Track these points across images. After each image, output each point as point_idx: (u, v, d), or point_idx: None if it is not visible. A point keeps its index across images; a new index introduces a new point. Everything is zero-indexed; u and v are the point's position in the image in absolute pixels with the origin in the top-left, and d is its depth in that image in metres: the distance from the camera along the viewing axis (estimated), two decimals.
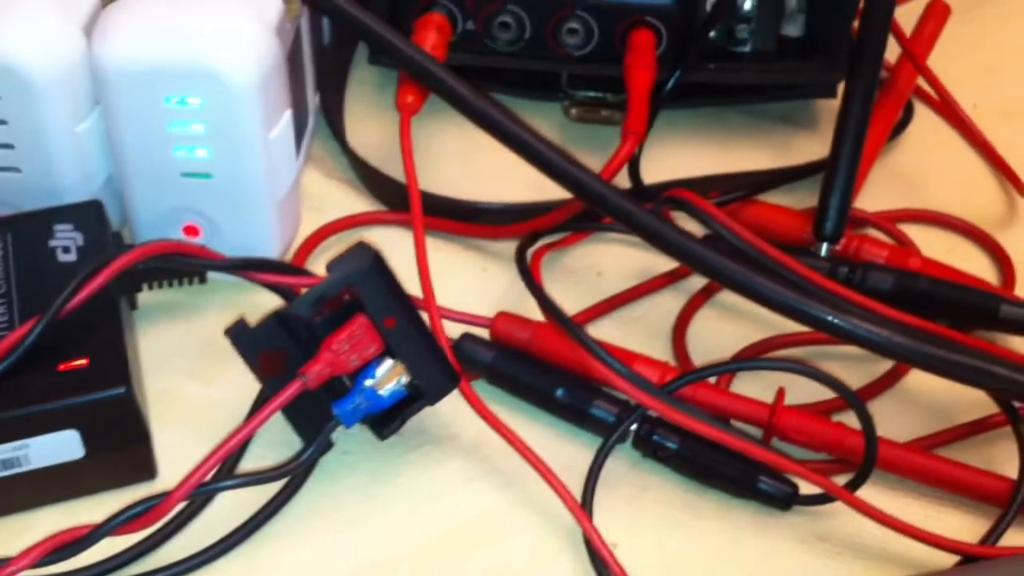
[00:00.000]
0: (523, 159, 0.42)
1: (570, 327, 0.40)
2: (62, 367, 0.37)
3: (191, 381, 0.43)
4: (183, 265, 0.40)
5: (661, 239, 0.41)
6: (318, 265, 0.46)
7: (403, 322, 0.37)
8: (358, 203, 0.49)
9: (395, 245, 0.47)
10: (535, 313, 0.43)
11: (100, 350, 0.37)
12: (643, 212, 0.41)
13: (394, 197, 0.48)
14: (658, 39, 0.48)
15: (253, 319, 0.44)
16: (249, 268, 0.40)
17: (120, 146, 0.41)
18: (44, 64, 0.39)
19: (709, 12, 0.48)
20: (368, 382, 0.37)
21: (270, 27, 0.41)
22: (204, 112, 0.40)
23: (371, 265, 0.36)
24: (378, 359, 0.37)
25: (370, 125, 0.53)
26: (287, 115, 0.43)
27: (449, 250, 0.48)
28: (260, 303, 0.44)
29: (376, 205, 0.49)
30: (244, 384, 0.42)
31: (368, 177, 0.49)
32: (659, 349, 0.44)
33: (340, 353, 0.36)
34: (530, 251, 0.45)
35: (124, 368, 0.37)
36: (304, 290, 0.38)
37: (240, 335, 0.38)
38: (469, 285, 0.46)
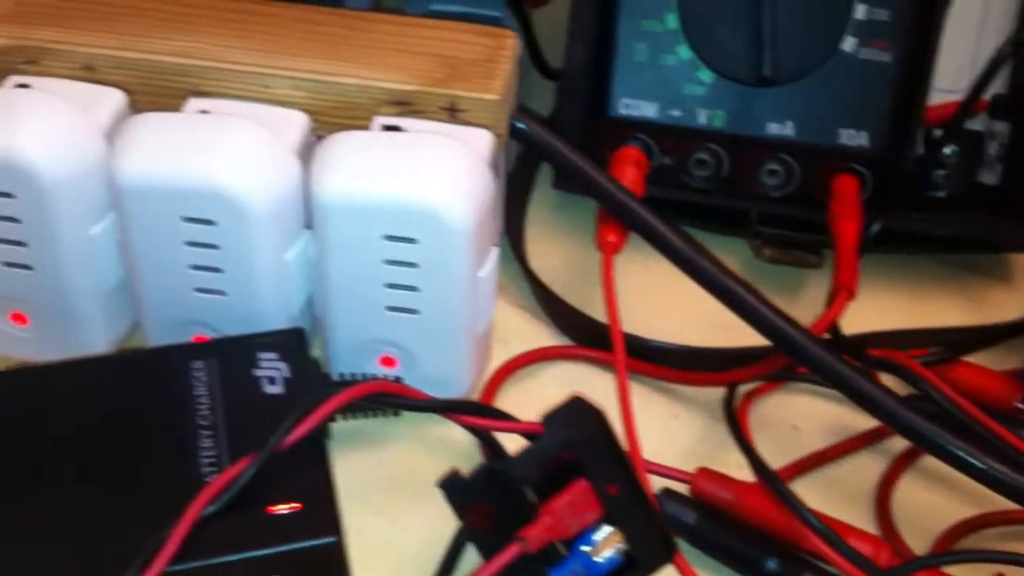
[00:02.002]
0: (736, 313, 0.41)
1: (785, 495, 0.39)
2: (271, 510, 0.36)
3: (376, 517, 0.42)
4: (389, 403, 0.39)
5: (877, 406, 0.39)
6: (504, 399, 0.45)
7: (625, 490, 0.35)
8: (540, 333, 0.48)
9: (581, 382, 0.46)
10: (727, 466, 0.42)
11: (309, 493, 0.36)
12: (856, 375, 0.40)
13: (579, 329, 0.47)
14: (862, 185, 0.47)
15: (443, 455, 0.43)
16: (455, 410, 0.39)
17: (329, 277, 0.40)
18: (262, 194, 0.38)
19: (917, 159, 0.47)
20: (585, 548, 0.36)
21: (485, 162, 0.40)
22: (420, 250, 0.39)
23: (597, 430, 0.35)
24: (596, 525, 0.36)
25: (550, 250, 0.52)
26: (495, 252, 0.42)
27: (637, 392, 0.46)
28: (446, 436, 0.43)
29: (557, 334, 0.48)
30: (430, 526, 0.41)
31: (552, 307, 0.48)
32: (858, 516, 0.43)
33: (561, 518, 0.35)
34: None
35: (334, 515, 0.36)
36: (517, 446, 0.37)
37: (453, 486, 0.36)
38: (657, 432, 0.45)
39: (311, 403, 0.37)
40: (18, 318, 0.43)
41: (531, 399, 0.45)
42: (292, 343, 0.40)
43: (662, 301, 0.49)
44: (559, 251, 0.51)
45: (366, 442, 0.44)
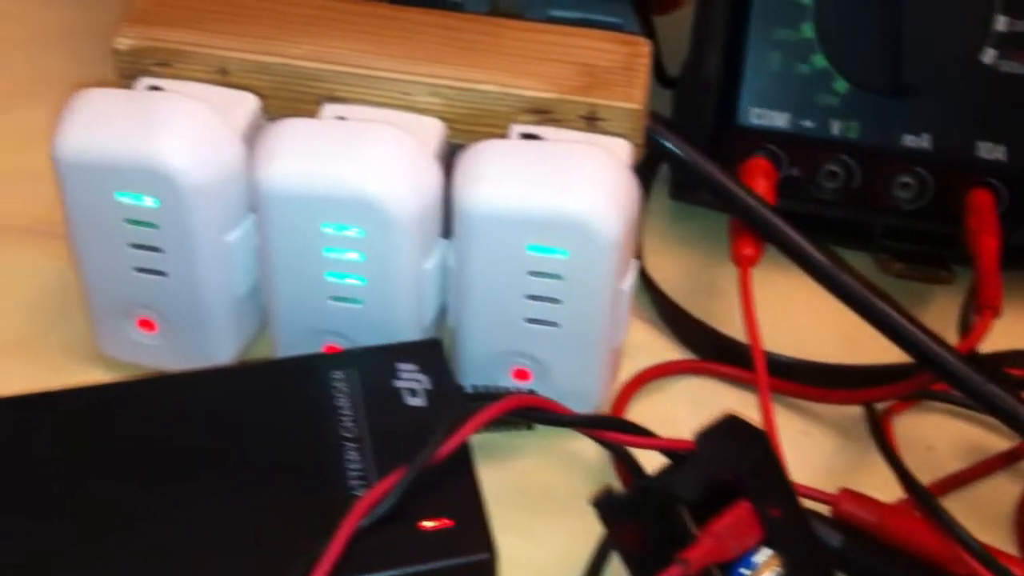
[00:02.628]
0: (879, 330, 0.40)
1: (941, 515, 0.38)
2: (422, 526, 0.35)
3: (512, 534, 0.40)
4: (535, 418, 0.38)
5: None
6: (632, 414, 0.44)
7: (787, 512, 0.35)
8: (663, 346, 0.47)
9: (709, 397, 0.45)
10: (862, 487, 0.41)
11: (459, 508, 0.36)
12: (1010, 397, 0.39)
13: (703, 343, 0.46)
14: (997, 199, 0.46)
15: (575, 470, 0.42)
16: (598, 426, 0.39)
17: (470, 288, 0.40)
18: (408, 202, 0.38)
19: None
20: (745, 571, 0.35)
21: (630, 174, 0.40)
22: (567, 262, 0.38)
23: (763, 451, 0.34)
24: (755, 547, 0.35)
25: (667, 261, 0.51)
26: (635, 264, 0.41)
27: (757, 405, 0.45)
28: (577, 451, 0.42)
29: (679, 348, 0.47)
30: (566, 542, 0.40)
31: (675, 320, 0.47)
32: (996, 539, 0.41)
33: (723, 540, 0.34)
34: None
35: (486, 530, 0.35)
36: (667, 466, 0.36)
37: (607, 505, 0.36)
38: (790, 451, 0.42)
39: (461, 416, 0.36)
40: (146, 324, 0.42)
41: (658, 414, 0.44)
42: (432, 354, 0.40)
43: (784, 314, 0.48)
44: (677, 262, 0.50)
45: (496, 456, 0.43)
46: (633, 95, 0.41)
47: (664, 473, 0.35)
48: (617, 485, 0.42)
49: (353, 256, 0.39)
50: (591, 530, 0.41)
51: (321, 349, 0.42)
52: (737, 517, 0.34)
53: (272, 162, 0.38)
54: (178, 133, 0.38)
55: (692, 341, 0.47)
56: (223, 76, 0.41)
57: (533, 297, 0.39)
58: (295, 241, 0.39)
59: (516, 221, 0.37)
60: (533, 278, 0.39)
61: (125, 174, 0.38)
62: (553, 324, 0.40)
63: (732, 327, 0.47)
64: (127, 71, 0.41)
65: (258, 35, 0.41)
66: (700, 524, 0.36)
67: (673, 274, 0.50)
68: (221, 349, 0.42)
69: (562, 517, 0.41)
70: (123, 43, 0.41)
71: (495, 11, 0.49)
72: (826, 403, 0.44)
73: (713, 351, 0.46)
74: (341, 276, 0.39)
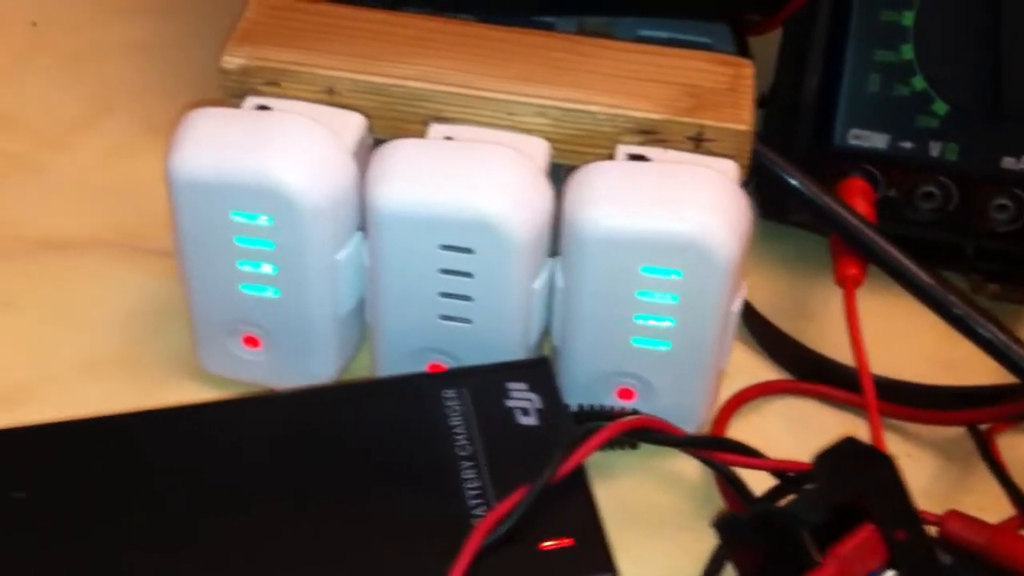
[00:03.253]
0: (987, 352, 0.40)
1: None
2: (543, 546, 0.35)
3: (618, 555, 0.40)
4: (650, 439, 0.38)
5: None
6: (731, 434, 0.44)
7: (912, 535, 0.35)
8: (757, 365, 0.47)
9: (807, 418, 0.45)
10: (965, 508, 0.41)
11: (578, 528, 0.36)
12: None
13: (798, 363, 0.46)
14: None
15: (677, 490, 0.42)
16: (712, 447, 0.39)
17: (580, 309, 0.40)
18: (525, 224, 0.38)
19: None
20: None
21: (743, 195, 0.39)
22: (682, 285, 0.38)
23: (889, 474, 0.34)
24: (878, 570, 0.35)
25: (756, 280, 0.50)
26: (744, 286, 0.41)
27: (856, 426, 0.45)
28: (678, 471, 0.42)
29: (773, 367, 0.47)
30: (671, 564, 0.40)
31: (768, 339, 0.47)
32: None
33: (848, 563, 0.34)
34: None
35: (607, 549, 0.35)
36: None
37: (729, 527, 0.36)
38: None
39: (579, 436, 0.36)
40: (251, 341, 0.42)
41: (756, 434, 0.44)
42: (541, 373, 0.40)
43: (877, 335, 0.47)
44: (767, 282, 0.50)
45: (598, 476, 0.42)
46: (741, 116, 0.41)
47: (790, 497, 0.35)
48: (720, 503, 0.42)
49: (466, 276, 0.39)
50: (695, 550, 0.41)
51: (425, 367, 0.42)
52: (863, 540, 0.34)
53: (388, 183, 0.38)
54: (296, 153, 0.38)
55: (787, 361, 0.47)
56: (330, 96, 0.41)
57: (643, 317, 0.39)
58: (409, 261, 0.39)
59: (631, 243, 0.38)
60: (646, 299, 0.39)
61: (242, 193, 0.38)
62: (663, 344, 0.40)
63: (826, 347, 0.47)
64: (234, 90, 0.42)
65: (365, 55, 0.42)
66: (819, 547, 0.36)
67: (764, 293, 0.50)
68: (324, 366, 0.42)
69: (666, 536, 0.41)
70: (231, 62, 0.41)
71: (583, 31, 0.50)
72: (930, 424, 0.44)
73: (809, 371, 0.46)
74: (453, 296, 0.40)
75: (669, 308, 0.39)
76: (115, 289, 0.48)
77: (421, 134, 0.41)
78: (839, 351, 0.47)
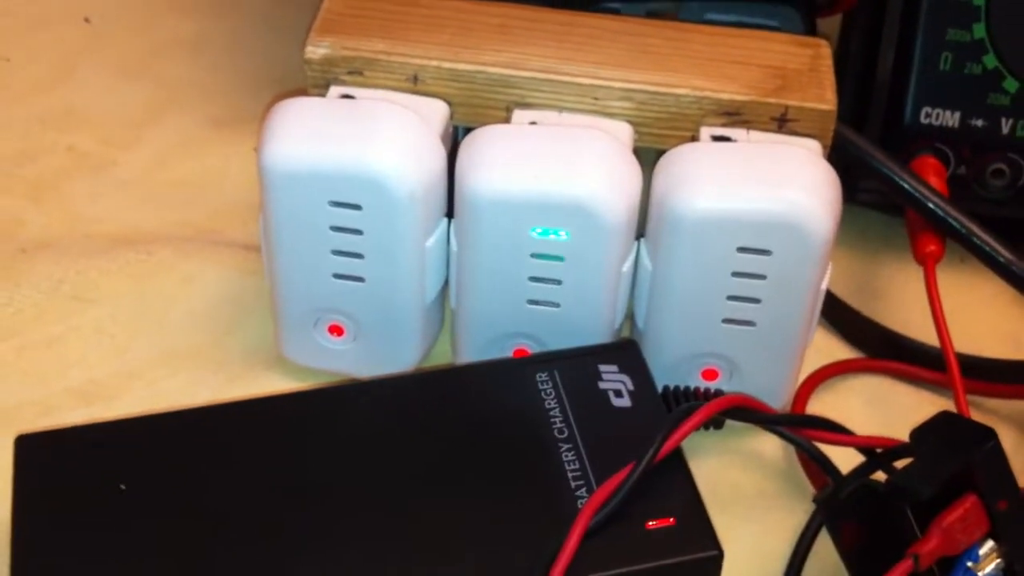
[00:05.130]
0: None
1: None
2: (650, 525, 0.36)
3: None
4: (743, 417, 0.39)
5: None
6: (811, 412, 0.45)
7: (1014, 505, 0.35)
8: (831, 345, 0.47)
9: (885, 397, 0.45)
10: None
11: (680, 507, 0.36)
12: None
13: (873, 341, 0.47)
14: None
15: (759, 469, 0.43)
16: (805, 425, 0.39)
17: (670, 292, 0.40)
18: (619, 207, 0.38)
19: None
20: (970, 564, 0.35)
21: (834, 174, 0.40)
22: (775, 263, 0.38)
23: (992, 445, 0.34)
24: (980, 540, 0.35)
25: None
26: (830, 265, 0.41)
27: (942, 406, 0.46)
28: (758, 449, 0.43)
29: (846, 346, 0.47)
30: (760, 541, 0.41)
31: (841, 317, 0.47)
32: None
33: (952, 534, 0.35)
34: None
35: (710, 528, 0.36)
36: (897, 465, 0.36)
37: (830, 504, 0.36)
38: None
39: (678, 417, 0.37)
40: (336, 330, 0.42)
41: (835, 412, 0.44)
42: (630, 356, 0.40)
43: (952, 311, 0.47)
44: (835, 261, 0.50)
45: None
46: (825, 96, 0.41)
47: (900, 472, 0.35)
48: (803, 481, 0.43)
49: (558, 260, 0.39)
50: (782, 529, 0.41)
51: (509, 352, 0.42)
52: (966, 511, 0.35)
53: (482, 170, 0.38)
54: (391, 141, 0.38)
55: (860, 339, 0.47)
56: (414, 84, 0.42)
57: (734, 298, 0.40)
58: (501, 248, 0.39)
59: (730, 224, 0.38)
60: (739, 279, 0.39)
61: (339, 182, 0.38)
62: (751, 324, 0.40)
63: (896, 324, 0.48)
64: (318, 80, 0.42)
65: (447, 43, 0.42)
66: (918, 520, 0.36)
67: (833, 272, 0.50)
68: (409, 354, 0.43)
69: (752, 517, 0.41)
70: (315, 52, 0.42)
71: (650, 14, 0.50)
72: (1008, 398, 0.45)
73: (883, 349, 0.46)
74: (543, 280, 0.40)
75: (761, 288, 0.39)
76: (191, 283, 0.48)
77: (504, 120, 0.42)
78: (911, 328, 0.48)
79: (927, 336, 0.46)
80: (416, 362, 0.43)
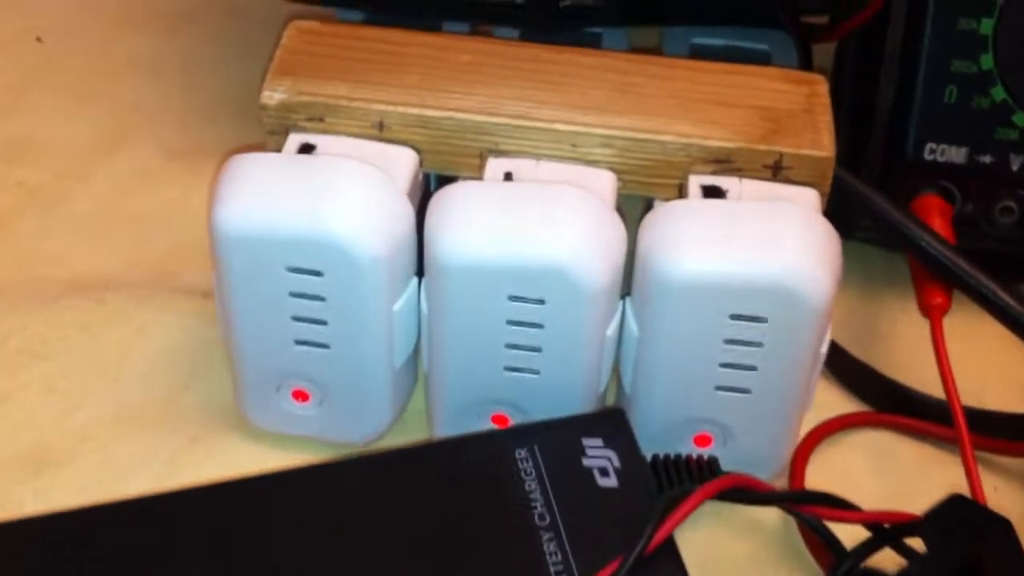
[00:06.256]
0: None
1: None
2: None
3: None
4: (740, 499, 0.36)
5: None
6: (810, 471, 0.42)
7: None
8: (830, 397, 0.44)
9: (890, 453, 0.43)
10: None
11: None
12: None
13: (875, 393, 0.44)
14: None
15: (755, 539, 0.40)
16: (808, 502, 0.36)
17: (659, 357, 0.37)
18: (603, 273, 0.35)
19: None
20: None
21: (832, 230, 0.37)
22: (770, 329, 0.35)
23: (1006, 538, 0.32)
24: None
25: None
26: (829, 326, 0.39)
27: (946, 461, 0.43)
28: (752, 519, 0.40)
29: (843, 394, 0.45)
30: None
31: (842, 368, 0.45)
32: None
33: None
34: None
35: None
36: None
37: None
38: None
39: (668, 504, 0.34)
40: (301, 395, 0.40)
41: (836, 471, 0.42)
42: (616, 426, 0.37)
43: (958, 359, 0.43)
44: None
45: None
46: (821, 141, 0.38)
47: (910, 565, 0.33)
48: (803, 551, 0.40)
49: (536, 327, 0.36)
50: None
51: (487, 419, 0.39)
52: None
53: (452, 232, 0.35)
54: (353, 203, 0.35)
55: (863, 390, 0.44)
56: (380, 131, 0.39)
57: (728, 365, 0.37)
58: (475, 313, 0.36)
59: (721, 290, 0.35)
60: (733, 347, 0.36)
61: (297, 248, 0.35)
62: (746, 391, 0.37)
63: (902, 369, 0.45)
64: (275, 126, 0.39)
65: (415, 85, 0.39)
66: None
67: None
68: (379, 418, 0.40)
69: None
70: (272, 98, 0.38)
71: (632, 46, 0.47)
72: (1019, 456, 0.42)
73: (888, 401, 0.44)
74: (521, 348, 0.37)
75: (757, 354, 0.36)
76: (146, 334, 0.45)
77: (477, 168, 0.39)
78: (916, 372, 0.45)
79: (933, 382, 0.43)
80: (387, 425, 0.40)
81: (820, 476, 0.42)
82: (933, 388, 0.42)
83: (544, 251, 0.35)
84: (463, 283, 0.35)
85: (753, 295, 0.35)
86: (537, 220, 0.35)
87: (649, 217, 0.36)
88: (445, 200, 0.36)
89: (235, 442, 0.42)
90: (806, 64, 0.46)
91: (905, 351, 0.46)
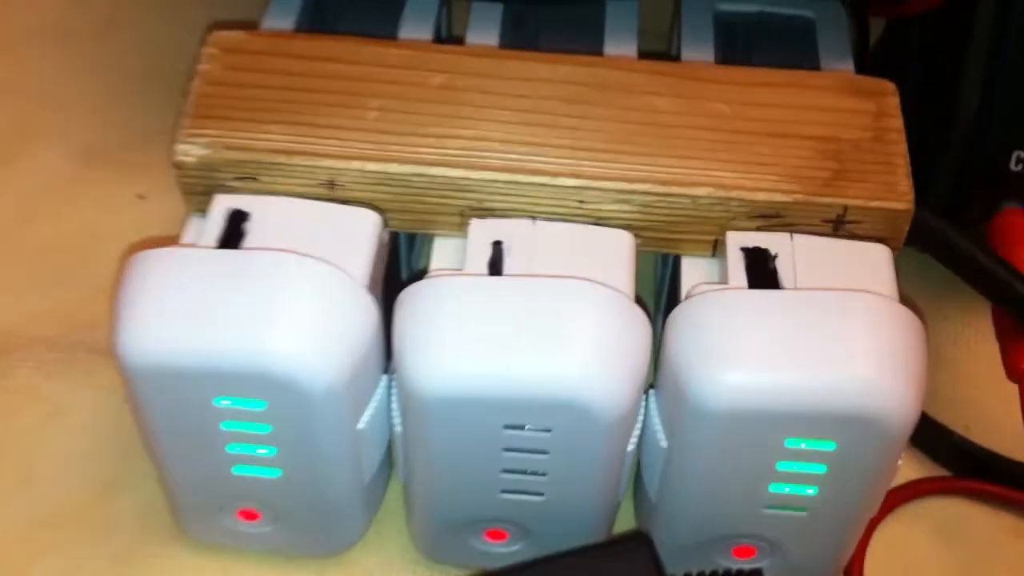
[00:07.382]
0: None
1: None
2: None
3: None
4: None
5: None
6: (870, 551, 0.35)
7: None
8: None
9: (959, 523, 0.36)
10: None
11: None
12: None
13: (947, 455, 0.37)
14: None
15: None
16: None
17: (692, 477, 0.29)
18: (623, 398, 0.27)
19: None
20: None
21: (918, 323, 0.29)
22: (839, 455, 0.28)
23: None
24: None
25: None
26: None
27: (1020, 534, 0.36)
28: None
29: (923, 463, 0.37)
30: None
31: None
32: None
33: None
34: None
35: None
36: None
37: None
38: None
39: None
40: (248, 515, 0.32)
41: (899, 549, 0.35)
42: (642, 553, 0.29)
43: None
44: None
45: None
46: (898, 186, 0.29)
47: None
48: None
49: (540, 453, 0.28)
50: None
51: (481, 536, 0.32)
52: None
53: (429, 357, 0.27)
54: (300, 321, 0.27)
55: (928, 445, 0.37)
56: (330, 190, 0.30)
57: (780, 485, 0.29)
58: (462, 444, 0.28)
59: (773, 415, 0.27)
60: (789, 469, 0.28)
61: (229, 381, 0.27)
62: (801, 510, 0.30)
63: (967, 404, 0.38)
64: (195, 187, 0.30)
65: (373, 126, 0.30)
66: None
67: None
68: (346, 535, 0.32)
69: None
70: (189, 154, 0.30)
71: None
72: None
73: (957, 462, 0.36)
74: (521, 472, 0.29)
75: (818, 478, 0.29)
76: (61, 418, 0.36)
77: (457, 226, 0.30)
78: (983, 408, 0.38)
79: (1006, 421, 0.36)
80: (359, 536, 0.33)
81: (883, 558, 0.35)
82: (1009, 438, 0.36)
83: (548, 378, 0.26)
84: (445, 415, 0.27)
85: (816, 420, 0.27)
86: (537, 336, 0.27)
87: (678, 312, 0.28)
88: (419, 306, 0.27)
89: (174, 557, 0.34)
90: (862, 41, 0.37)
91: (971, 376, 0.38)
